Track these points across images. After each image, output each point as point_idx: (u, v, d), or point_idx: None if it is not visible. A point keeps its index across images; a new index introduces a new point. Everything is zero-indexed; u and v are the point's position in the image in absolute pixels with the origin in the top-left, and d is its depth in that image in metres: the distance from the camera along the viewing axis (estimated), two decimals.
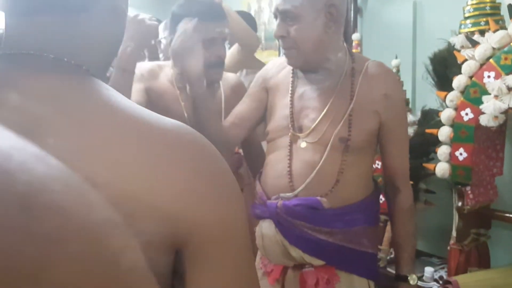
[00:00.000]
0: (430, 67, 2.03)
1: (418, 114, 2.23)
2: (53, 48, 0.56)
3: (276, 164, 1.46)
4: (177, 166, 0.52)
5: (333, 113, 1.40)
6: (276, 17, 1.38)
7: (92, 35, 0.59)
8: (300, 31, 1.33)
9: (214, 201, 0.53)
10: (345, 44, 1.47)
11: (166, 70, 1.69)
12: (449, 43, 1.92)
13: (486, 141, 1.84)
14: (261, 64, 2.31)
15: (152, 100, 1.61)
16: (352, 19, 2.80)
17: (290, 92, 1.46)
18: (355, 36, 2.59)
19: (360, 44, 2.57)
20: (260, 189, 1.49)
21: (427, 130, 1.95)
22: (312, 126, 1.41)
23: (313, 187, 1.39)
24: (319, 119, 1.41)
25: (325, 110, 1.40)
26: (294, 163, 1.42)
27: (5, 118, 0.51)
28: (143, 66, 1.63)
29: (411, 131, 2.12)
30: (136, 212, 0.49)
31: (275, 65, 1.56)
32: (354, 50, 2.59)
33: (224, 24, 1.55)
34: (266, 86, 1.53)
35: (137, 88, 1.57)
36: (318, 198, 1.38)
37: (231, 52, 2.40)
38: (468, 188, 1.81)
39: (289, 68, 1.50)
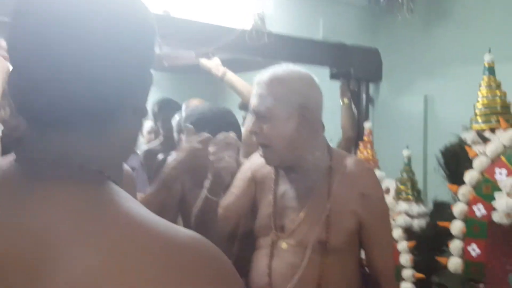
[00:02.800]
0: (442, 160, 2.06)
1: (430, 205, 2.22)
2: (76, 155, 0.57)
3: (258, 262, 1.44)
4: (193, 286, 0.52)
5: (312, 214, 1.38)
6: (252, 114, 1.42)
7: (115, 140, 0.60)
8: (272, 129, 1.36)
9: None
10: (326, 141, 1.48)
11: None
12: (460, 138, 1.96)
13: (500, 237, 1.82)
14: None
15: None
16: (364, 108, 2.89)
17: (273, 190, 1.46)
18: (367, 125, 2.65)
19: (371, 132, 2.63)
20: (245, 285, 1.46)
21: (440, 223, 1.94)
22: (293, 228, 1.40)
23: None
24: (299, 221, 1.39)
25: (303, 212, 1.40)
26: (274, 264, 1.40)
27: (18, 229, 0.51)
28: None
29: (423, 222, 2.11)
30: None
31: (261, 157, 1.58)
32: (365, 138, 2.65)
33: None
34: (254, 178, 1.52)
35: None
36: None
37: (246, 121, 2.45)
38: (481, 285, 1.77)
39: None
